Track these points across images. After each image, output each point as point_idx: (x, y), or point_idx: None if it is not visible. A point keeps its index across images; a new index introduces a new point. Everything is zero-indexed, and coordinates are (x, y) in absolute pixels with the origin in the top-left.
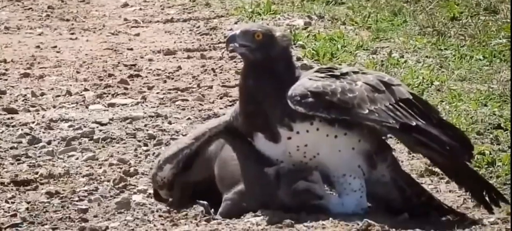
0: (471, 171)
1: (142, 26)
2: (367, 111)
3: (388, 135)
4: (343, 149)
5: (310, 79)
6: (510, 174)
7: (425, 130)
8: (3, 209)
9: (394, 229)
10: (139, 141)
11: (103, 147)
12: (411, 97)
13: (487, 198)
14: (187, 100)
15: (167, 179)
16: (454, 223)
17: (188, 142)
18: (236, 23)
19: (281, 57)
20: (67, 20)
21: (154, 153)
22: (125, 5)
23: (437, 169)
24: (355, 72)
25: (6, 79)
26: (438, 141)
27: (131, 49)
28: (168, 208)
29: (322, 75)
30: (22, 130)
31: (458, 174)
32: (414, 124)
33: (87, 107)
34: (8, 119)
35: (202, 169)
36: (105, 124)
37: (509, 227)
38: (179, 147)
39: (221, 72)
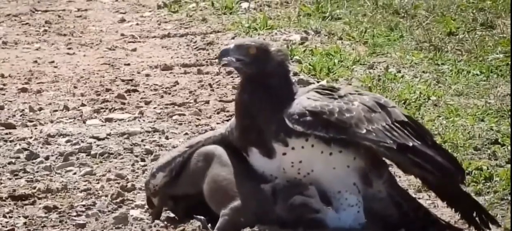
0: (463, 193)
1: (139, 42)
2: (364, 131)
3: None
4: (338, 166)
5: (308, 98)
6: (510, 188)
7: (421, 151)
8: (1, 223)
9: None
10: (136, 156)
11: (101, 162)
12: (406, 119)
13: (477, 220)
14: (184, 115)
15: (160, 187)
16: None
17: (181, 150)
18: (233, 38)
19: (276, 72)
20: (65, 35)
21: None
22: (122, 20)
23: None
24: (351, 93)
25: (3, 94)
26: (433, 162)
27: (128, 64)
28: (165, 223)
29: (320, 95)
30: (20, 145)
31: (450, 195)
32: (410, 144)
33: (84, 122)
34: (6, 133)
35: (188, 183)
36: (103, 139)
37: None
38: (172, 155)
39: (218, 87)
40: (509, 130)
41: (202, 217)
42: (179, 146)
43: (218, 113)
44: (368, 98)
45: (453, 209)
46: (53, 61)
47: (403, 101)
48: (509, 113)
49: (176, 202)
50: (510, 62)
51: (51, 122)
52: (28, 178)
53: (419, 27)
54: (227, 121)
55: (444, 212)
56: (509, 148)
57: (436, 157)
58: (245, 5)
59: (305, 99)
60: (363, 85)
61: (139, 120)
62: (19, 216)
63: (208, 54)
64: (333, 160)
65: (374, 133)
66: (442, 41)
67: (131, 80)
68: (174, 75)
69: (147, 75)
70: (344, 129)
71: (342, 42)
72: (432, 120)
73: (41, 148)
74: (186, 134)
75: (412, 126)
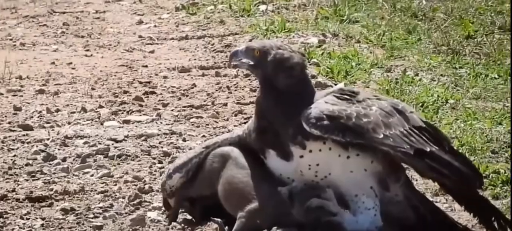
0: (481, 198)
1: (157, 43)
2: (381, 136)
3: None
4: (355, 170)
5: (326, 102)
6: (510, 190)
7: (438, 156)
8: (18, 225)
9: None
10: (154, 158)
11: (118, 164)
12: (424, 124)
13: (495, 224)
14: (201, 117)
15: (176, 188)
16: None
17: (198, 151)
18: (250, 40)
19: (292, 75)
20: (82, 37)
21: None
22: (140, 22)
23: None
24: (369, 98)
25: (21, 96)
26: (451, 168)
27: (146, 66)
28: (182, 225)
29: (338, 100)
30: (37, 146)
31: (468, 199)
32: (428, 149)
33: (102, 124)
34: (23, 135)
35: (203, 184)
36: (120, 141)
37: None
38: (189, 156)
39: (235, 90)
40: None
41: (219, 220)
42: (195, 147)
43: (235, 115)
44: (386, 103)
45: (471, 214)
46: (70, 63)
47: (420, 105)
48: None
49: (192, 204)
50: (510, 64)
51: (69, 123)
52: (45, 179)
53: (437, 30)
54: (245, 123)
55: (461, 215)
56: None
57: (453, 162)
58: (263, 7)
59: (323, 103)
60: (380, 88)
61: (156, 122)
62: (36, 218)
63: (226, 56)
64: (350, 163)
65: (391, 138)
66: (460, 45)
67: (149, 82)
68: (192, 78)
69: (165, 77)
70: (361, 133)
71: (359, 45)
72: (449, 123)
73: (59, 149)
74: (204, 136)
75: (430, 131)
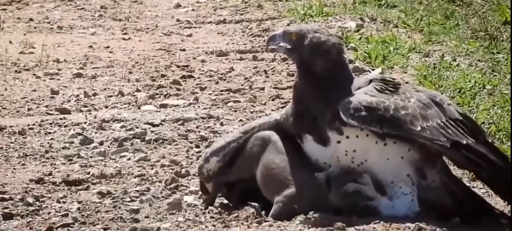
0: None
1: (195, 27)
2: (419, 128)
3: None
4: (392, 157)
5: (365, 93)
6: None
7: (474, 148)
8: (55, 208)
9: None
10: (191, 142)
11: (155, 148)
12: (461, 117)
13: None
14: (239, 101)
15: (213, 172)
16: (505, 227)
17: (236, 136)
18: (288, 25)
19: (328, 59)
20: (120, 20)
21: None
22: (178, 6)
23: None
24: (408, 90)
25: (59, 79)
26: (487, 160)
27: (184, 50)
28: (219, 209)
29: (377, 92)
30: (74, 130)
31: (503, 189)
32: (464, 142)
33: (139, 108)
34: (61, 119)
35: (243, 167)
36: (157, 125)
37: None
38: (227, 140)
39: (273, 74)
40: None
41: (256, 204)
42: (233, 131)
43: (272, 100)
44: (424, 95)
45: (506, 202)
46: (108, 46)
47: (458, 90)
48: None
49: (230, 188)
50: (510, 62)
51: (106, 107)
52: (82, 163)
53: (475, 16)
54: (282, 108)
55: (498, 201)
56: None
57: (489, 155)
58: None
59: (362, 94)
60: (418, 73)
61: (194, 106)
62: (73, 201)
63: (264, 40)
64: (387, 150)
65: (428, 130)
66: (497, 30)
67: (187, 66)
68: (230, 62)
69: (203, 61)
70: (398, 125)
71: (397, 30)
72: (487, 109)
73: (96, 133)
74: (241, 120)
75: (466, 124)
